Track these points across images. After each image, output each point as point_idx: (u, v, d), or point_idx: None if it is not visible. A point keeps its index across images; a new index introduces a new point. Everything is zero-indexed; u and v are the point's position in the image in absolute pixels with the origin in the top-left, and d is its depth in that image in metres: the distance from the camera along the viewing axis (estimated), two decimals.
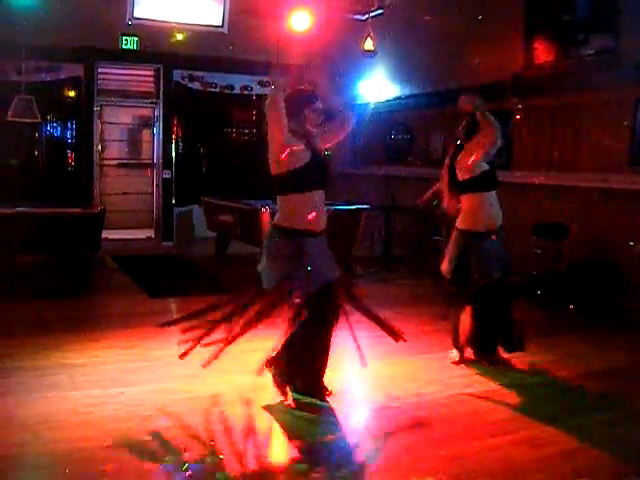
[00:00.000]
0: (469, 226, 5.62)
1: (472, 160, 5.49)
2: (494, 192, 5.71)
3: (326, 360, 4.85)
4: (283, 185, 4.62)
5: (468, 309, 5.67)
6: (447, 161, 5.86)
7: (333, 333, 4.82)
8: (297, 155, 4.51)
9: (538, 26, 9.12)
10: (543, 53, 9.08)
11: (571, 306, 7.75)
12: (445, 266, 5.74)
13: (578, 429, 4.47)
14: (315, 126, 4.73)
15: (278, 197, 4.70)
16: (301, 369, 4.78)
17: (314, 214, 4.57)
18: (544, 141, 9.03)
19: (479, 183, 5.59)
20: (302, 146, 4.55)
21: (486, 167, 5.61)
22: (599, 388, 5.34)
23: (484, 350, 5.77)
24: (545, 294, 8.03)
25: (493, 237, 5.60)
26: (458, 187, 5.70)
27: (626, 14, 7.86)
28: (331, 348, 4.86)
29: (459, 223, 5.69)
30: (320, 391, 4.87)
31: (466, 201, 5.66)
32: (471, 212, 5.62)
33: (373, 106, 12.26)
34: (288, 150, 4.44)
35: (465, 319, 5.70)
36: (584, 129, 8.46)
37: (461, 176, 5.63)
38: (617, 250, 7.82)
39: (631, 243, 7.55)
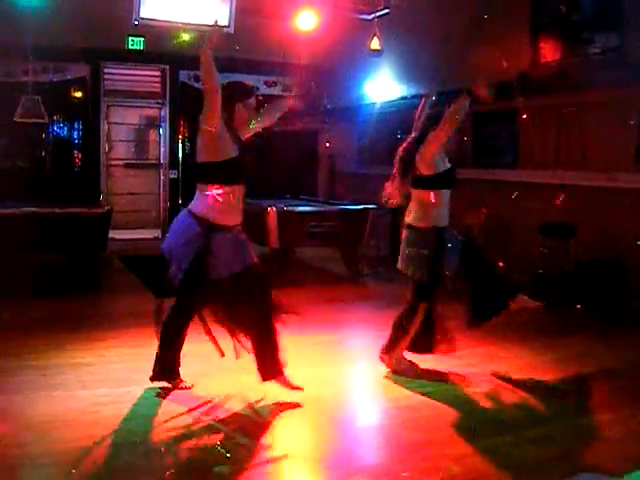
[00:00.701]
0: (431, 223, 5.34)
1: (432, 153, 5.31)
2: (449, 191, 5.47)
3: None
4: (207, 174, 4.63)
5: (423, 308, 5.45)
6: (401, 152, 5.56)
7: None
8: (225, 147, 4.55)
9: (544, 25, 9.11)
10: (549, 52, 9.07)
11: (578, 306, 7.74)
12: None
13: (583, 428, 4.48)
14: (243, 122, 4.71)
15: (198, 184, 4.69)
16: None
17: (228, 209, 4.63)
18: (551, 140, 9.01)
19: (441, 180, 5.39)
20: (229, 138, 4.58)
21: (448, 165, 5.43)
22: (606, 387, 5.33)
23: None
24: (551, 293, 8.01)
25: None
26: (419, 182, 5.42)
27: (632, 12, 7.85)
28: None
29: (416, 221, 5.40)
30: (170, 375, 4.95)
31: (422, 196, 5.40)
32: (427, 208, 5.35)
33: (379, 106, 12.25)
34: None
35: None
36: (590, 128, 8.44)
37: (424, 171, 5.38)
38: (624, 249, 7.80)
39: (639, 242, 7.53)
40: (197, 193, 4.69)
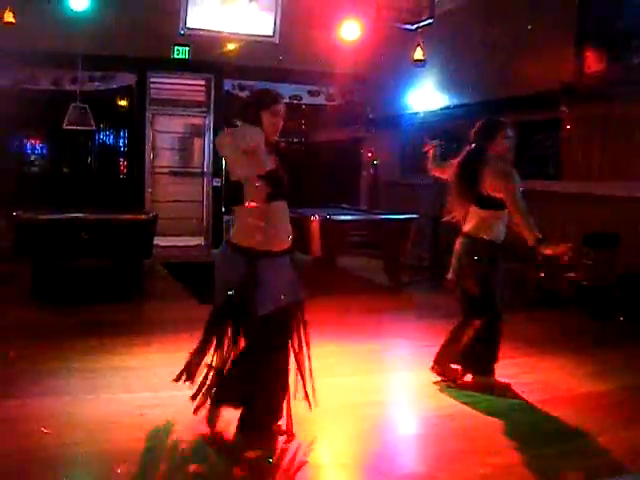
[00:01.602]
0: (492, 236, 5.17)
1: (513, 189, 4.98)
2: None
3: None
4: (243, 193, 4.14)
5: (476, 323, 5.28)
6: (457, 168, 5.39)
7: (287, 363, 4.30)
8: (260, 161, 4.04)
9: (589, 34, 9.05)
10: (594, 61, 9.01)
11: (621, 317, 7.67)
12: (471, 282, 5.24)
13: (629, 440, 4.44)
14: (273, 130, 4.22)
15: (235, 208, 4.23)
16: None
17: (270, 231, 4.13)
18: (595, 150, 8.94)
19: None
20: (264, 150, 4.05)
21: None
22: None
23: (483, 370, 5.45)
24: (595, 305, 7.95)
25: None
26: (485, 202, 5.17)
27: None
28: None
29: (476, 231, 5.21)
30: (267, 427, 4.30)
31: (485, 213, 5.19)
32: (490, 221, 5.17)
33: (422, 115, 12.25)
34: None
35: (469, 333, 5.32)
36: (636, 138, 8.36)
37: (494, 192, 5.09)
38: None
39: None
40: (235, 219, 4.29)
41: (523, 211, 4.93)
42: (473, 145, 5.34)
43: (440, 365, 5.48)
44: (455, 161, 5.47)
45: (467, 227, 5.31)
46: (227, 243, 4.26)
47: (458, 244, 5.37)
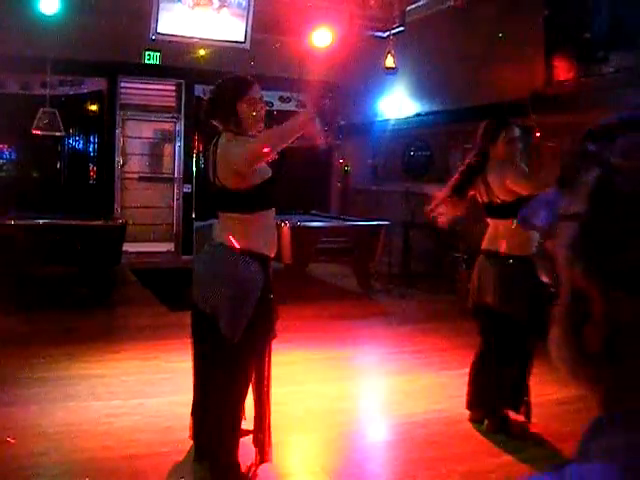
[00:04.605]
0: (516, 250, 4.50)
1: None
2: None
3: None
4: (247, 201, 3.77)
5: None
6: (463, 170, 4.86)
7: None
8: (260, 168, 3.73)
9: (558, 44, 9.13)
10: (563, 71, 9.10)
11: None
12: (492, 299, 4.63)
13: None
14: (254, 120, 3.77)
15: (235, 215, 3.81)
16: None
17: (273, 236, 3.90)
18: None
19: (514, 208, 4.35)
20: None
21: None
22: None
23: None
24: None
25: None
26: (493, 209, 4.71)
27: None
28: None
29: (519, 249, 4.45)
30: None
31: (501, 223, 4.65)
32: (504, 235, 4.61)
33: (393, 123, 12.30)
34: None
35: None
36: None
37: (502, 197, 4.63)
38: None
39: None
40: (236, 226, 3.78)
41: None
42: (477, 150, 4.91)
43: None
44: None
45: (502, 246, 4.62)
46: (229, 248, 3.73)
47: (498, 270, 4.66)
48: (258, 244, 3.75)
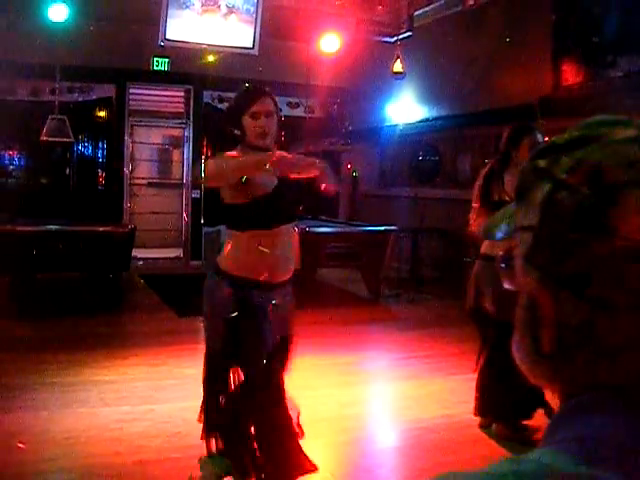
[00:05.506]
0: None
1: None
2: None
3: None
4: (240, 218, 3.53)
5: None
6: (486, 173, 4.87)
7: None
8: (259, 180, 3.49)
9: (566, 48, 9.12)
10: (571, 75, 9.08)
11: None
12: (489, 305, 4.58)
13: None
14: (261, 136, 3.57)
15: (229, 231, 3.63)
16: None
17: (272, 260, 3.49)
18: None
19: None
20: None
21: None
22: None
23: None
24: None
25: None
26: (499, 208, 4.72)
27: None
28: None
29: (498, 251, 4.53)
30: None
31: None
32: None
33: (401, 128, 12.30)
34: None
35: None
36: None
37: (513, 197, 4.66)
38: None
39: None
40: (228, 243, 3.62)
41: None
42: (500, 154, 4.93)
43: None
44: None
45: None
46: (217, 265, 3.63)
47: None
48: (245, 268, 3.48)
